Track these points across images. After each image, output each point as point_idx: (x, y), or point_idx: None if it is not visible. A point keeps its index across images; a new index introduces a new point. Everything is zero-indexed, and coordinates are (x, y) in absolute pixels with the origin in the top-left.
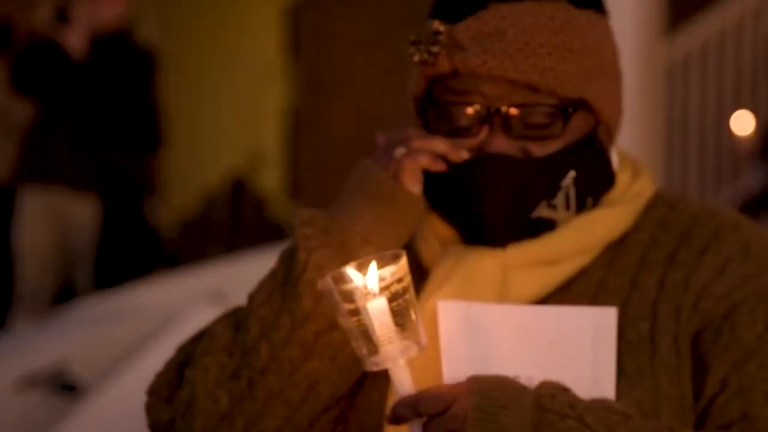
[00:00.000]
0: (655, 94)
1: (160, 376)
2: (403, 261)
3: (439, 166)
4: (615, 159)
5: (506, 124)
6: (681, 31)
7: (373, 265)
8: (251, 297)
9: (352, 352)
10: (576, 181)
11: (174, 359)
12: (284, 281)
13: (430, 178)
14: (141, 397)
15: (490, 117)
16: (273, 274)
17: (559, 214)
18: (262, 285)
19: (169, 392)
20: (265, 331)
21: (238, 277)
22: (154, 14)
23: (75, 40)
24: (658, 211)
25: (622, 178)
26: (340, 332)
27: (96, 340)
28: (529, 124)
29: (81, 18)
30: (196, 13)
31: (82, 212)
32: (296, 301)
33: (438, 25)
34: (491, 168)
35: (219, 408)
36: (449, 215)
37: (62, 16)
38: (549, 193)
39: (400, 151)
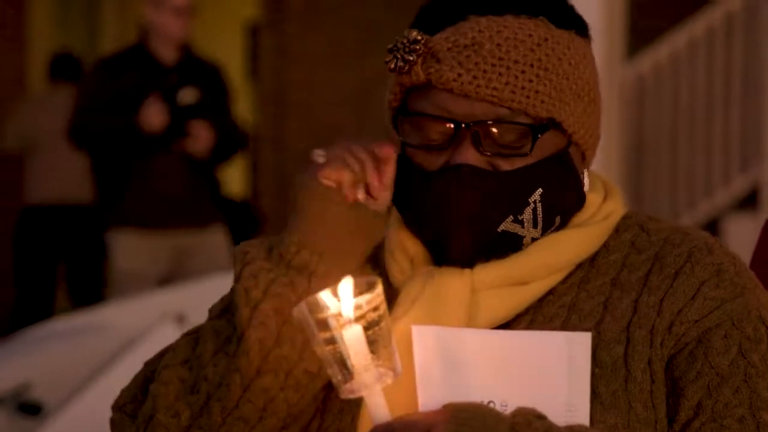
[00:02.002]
0: (620, 115)
1: (124, 391)
2: (379, 289)
3: (350, 185)
4: (586, 181)
5: (475, 139)
6: (641, 55)
7: (348, 292)
8: (210, 310)
9: (306, 368)
10: (543, 197)
11: (140, 374)
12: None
13: (399, 188)
14: (104, 418)
15: (459, 132)
16: (232, 290)
17: (525, 231)
18: (222, 299)
19: (134, 407)
20: (220, 344)
21: (201, 298)
22: (114, 31)
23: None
24: (630, 232)
25: (593, 199)
26: (291, 347)
27: (59, 360)
28: (498, 141)
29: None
30: None
31: (209, 246)
32: (236, 311)
33: (416, 35)
34: (458, 178)
35: (180, 423)
36: (418, 229)
37: (180, 132)
38: (516, 207)
39: (318, 156)
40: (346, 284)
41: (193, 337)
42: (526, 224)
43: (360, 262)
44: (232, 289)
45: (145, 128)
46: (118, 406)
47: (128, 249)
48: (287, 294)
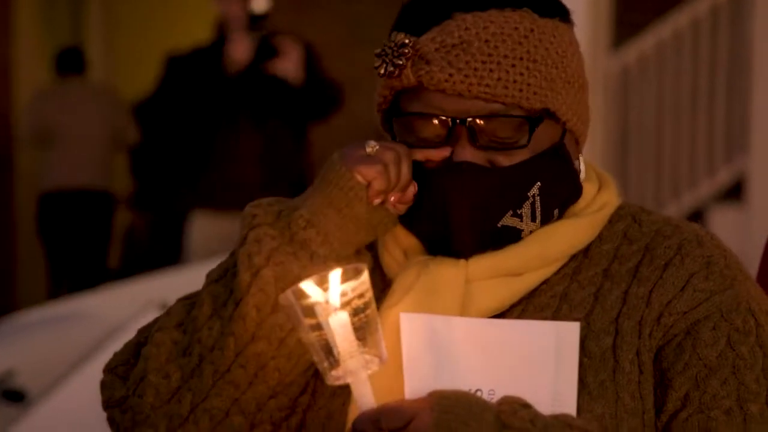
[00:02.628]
0: (605, 106)
1: (117, 355)
2: (365, 276)
3: (379, 196)
4: (582, 169)
5: (472, 135)
6: (627, 45)
7: (336, 279)
8: (208, 275)
9: (301, 338)
10: (542, 191)
11: (133, 339)
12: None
13: None
14: (88, 405)
15: (455, 129)
16: (231, 254)
17: (524, 225)
18: (220, 264)
19: (125, 369)
20: (217, 308)
21: (186, 287)
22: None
23: (293, 69)
24: (623, 222)
25: (588, 190)
26: (285, 316)
27: (43, 349)
28: (495, 136)
29: (292, 50)
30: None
31: None
32: (237, 275)
33: (403, 38)
34: (457, 176)
35: (170, 384)
36: (415, 225)
37: (270, 51)
38: (515, 202)
39: (369, 144)
40: (333, 271)
41: (190, 302)
42: (524, 218)
43: (360, 250)
44: (232, 252)
45: (234, 59)
46: (109, 368)
47: (204, 231)
48: (289, 263)
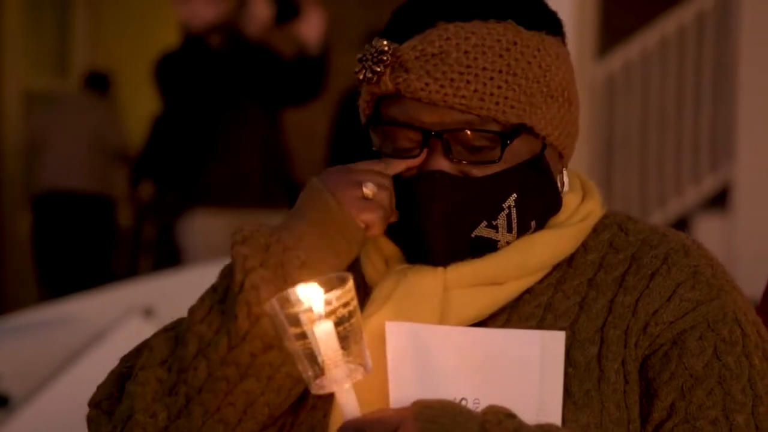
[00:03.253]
0: (590, 114)
1: (101, 388)
2: (350, 285)
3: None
4: (565, 180)
5: (446, 147)
6: (613, 53)
7: (320, 288)
8: (191, 311)
9: (289, 371)
10: (518, 203)
11: (115, 370)
12: (223, 299)
13: None
14: (71, 410)
15: (429, 140)
16: (213, 289)
17: (500, 236)
18: (203, 300)
19: (110, 404)
20: (203, 348)
21: (169, 292)
22: (86, 37)
23: (314, 35)
24: (608, 232)
25: (571, 200)
26: (278, 352)
27: (27, 353)
28: (468, 148)
29: (316, 14)
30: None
31: None
32: (233, 321)
33: (383, 45)
34: (431, 184)
35: (157, 424)
36: (392, 234)
37: (291, 11)
38: (490, 213)
39: (366, 185)
40: (318, 280)
41: (172, 335)
42: (500, 229)
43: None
44: (214, 287)
45: (255, 19)
46: (94, 403)
47: (203, 227)
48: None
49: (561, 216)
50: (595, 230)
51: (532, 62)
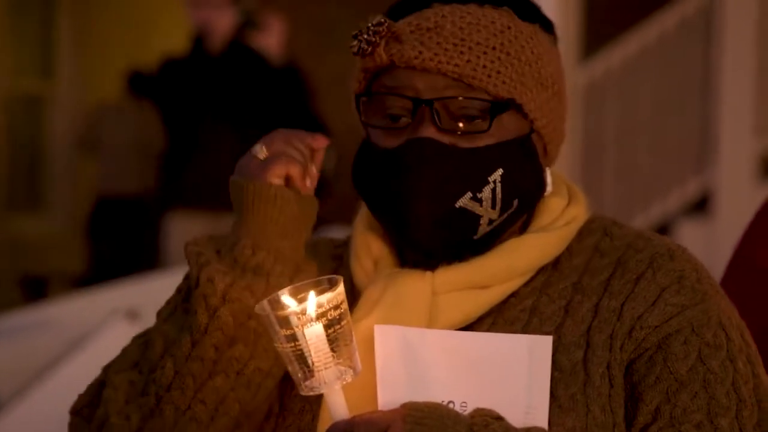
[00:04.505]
0: (573, 118)
1: (81, 396)
2: (340, 288)
3: (300, 175)
4: (548, 180)
5: (435, 115)
6: (596, 58)
7: (311, 291)
8: (158, 314)
9: (258, 366)
10: (503, 178)
11: (97, 378)
12: (186, 298)
13: (362, 172)
14: (55, 414)
15: (419, 108)
16: (178, 291)
17: (483, 210)
18: (168, 301)
19: (90, 411)
20: (169, 347)
21: (152, 294)
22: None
23: (275, 46)
24: (593, 237)
25: (556, 203)
26: (244, 347)
27: (9, 356)
28: (457, 117)
29: (277, 27)
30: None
31: None
32: (193, 316)
33: (380, 18)
34: (419, 149)
35: (131, 425)
36: (379, 208)
37: (254, 24)
38: (475, 184)
39: (258, 150)
40: (309, 283)
41: (144, 340)
42: (484, 203)
43: (303, 247)
44: (178, 289)
45: (216, 33)
46: (75, 410)
47: (183, 229)
48: (245, 298)
49: (546, 219)
50: (581, 234)
51: (525, 46)
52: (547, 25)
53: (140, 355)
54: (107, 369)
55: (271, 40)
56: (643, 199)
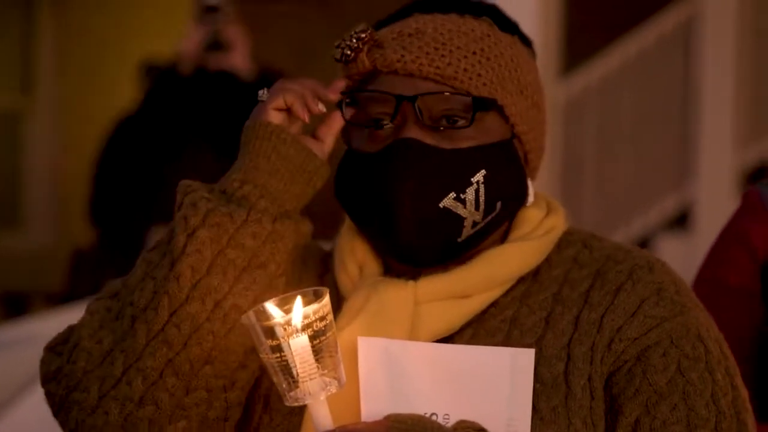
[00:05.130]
0: (553, 133)
1: (58, 335)
2: (326, 299)
3: (300, 106)
4: (530, 191)
5: (418, 113)
6: (576, 73)
7: (297, 302)
8: (146, 249)
9: (236, 303)
10: (486, 180)
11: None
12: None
13: (344, 174)
14: (36, 429)
15: (402, 107)
16: (169, 229)
17: (467, 212)
18: (160, 238)
19: (63, 347)
20: (150, 271)
21: None
22: (51, 43)
23: (243, 62)
24: (573, 248)
25: (535, 214)
26: (222, 277)
27: None
28: (439, 117)
29: (241, 44)
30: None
31: None
32: (173, 239)
33: (362, 26)
34: (403, 150)
35: (102, 347)
36: (362, 213)
37: (218, 45)
38: (459, 185)
39: (263, 94)
40: (295, 294)
41: (127, 276)
42: (467, 204)
43: (298, 208)
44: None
45: (182, 53)
46: (49, 347)
47: None
48: (225, 224)
49: (525, 229)
50: (559, 246)
51: (504, 53)
52: (526, 40)
53: (121, 285)
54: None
55: (237, 57)
56: (623, 214)
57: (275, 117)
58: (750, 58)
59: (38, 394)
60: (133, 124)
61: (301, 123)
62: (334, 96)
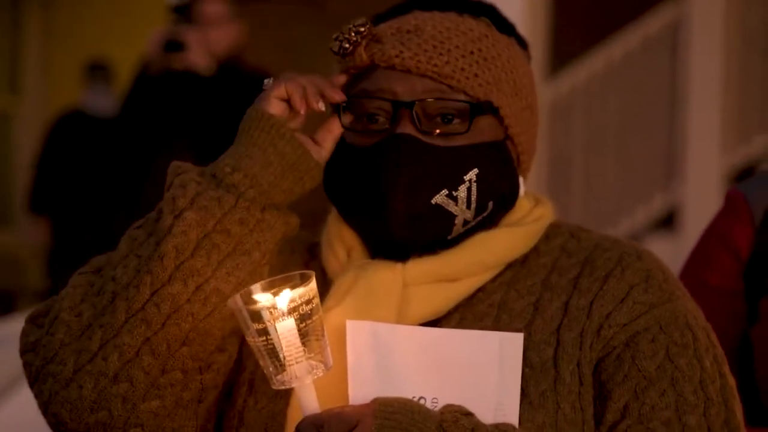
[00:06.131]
0: (540, 134)
1: (39, 306)
2: (312, 283)
3: (300, 97)
4: (522, 188)
5: (415, 118)
6: (562, 74)
7: (283, 286)
8: (133, 225)
9: (218, 287)
10: (479, 178)
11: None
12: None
13: (336, 167)
14: (24, 427)
15: (398, 110)
16: (157, 209)
17: (458, 210)
18: (148, 215)
19: (44, 319)
20: (134, 248)
21: None
22: (38, 46)
23: (200, 60)
24: (560, 238)
25: (524, 203)
26: (206, 260)
27: None
28: (435, 118)
29: (196, 42)
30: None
31: None
32: (161, 218)
33: (362, 20)
34: (397, 144)
35: (81, 321)
36: (354, 208)
37: (175, 46)
38: (451, 182)
39: (267, 82)
40: (281, 278)
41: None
42: (459, 202)
43: (286, 203)
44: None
45: (149, 56)
46: (30, 318)
47: None
48: (213, 207)
49: (515, 215)
50: (547, 236)
51: (501, 54)
52: (521, 42)
53: (106, 260)
54: None
55: (194, 56)
56: (610, 214)
57: (276, 107)
58: (737, 60)
59: (25, 392)
60: (98, 124)
61: (302, 119)
62: (338, 97)
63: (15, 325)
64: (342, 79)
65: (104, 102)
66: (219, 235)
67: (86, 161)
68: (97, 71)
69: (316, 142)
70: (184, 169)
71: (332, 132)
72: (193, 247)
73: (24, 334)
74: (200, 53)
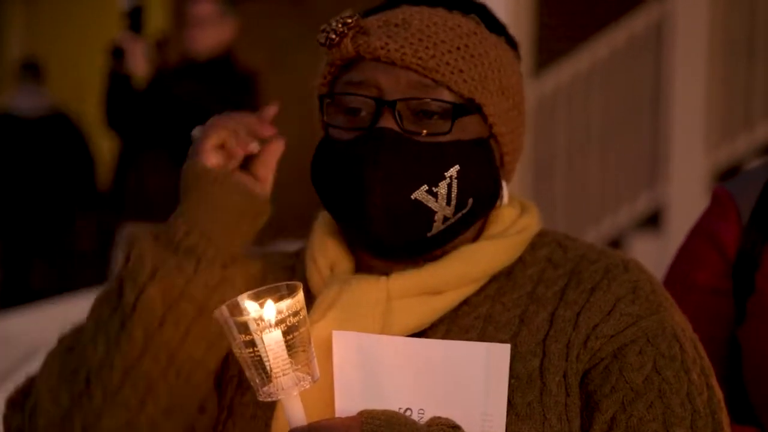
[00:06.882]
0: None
1: (17, 388)
2: (299, 294)
3: (234, 143)
4: (505, 193)
5: (397, 114)
6: (547, 73)
7: (270, 298)
8: (96, 298)
9: (190, 354)
10: (460, 175)
11: (35, 373)
12: (121, 282)
13: (320, 160)
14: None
15: (381, 107)
16: (116, 276)
17: (438, 206)
18: (105, 285)
19: (24, 401)
20: (101, 327)
21: None
22: (21, 39)
23: (137, 66)
24: (547, 248)
25: (509, 213)
26: (174, 330)
27: None
28: (419, 116)
29: (132, 49)
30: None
31: None
32: (123, 294)
33: (349, 12)
34: (378, 139)
35: (60, 407)
36: (335, 200)
37: (118, 53)
38: (431, 178)
39: (196, 132)
40: (268, 288)
41: (78, 326)
42: (439, 198)
43: (245, 245)
44: (116, 274)
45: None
46: (11, 401)
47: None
48: (174, 277)
49: (499, 227)
50: (533, 246)
51: (489, 52)
52: (512, 42)
53: (74, 339)
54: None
55: (131, 62)
56: (595, 213)
57: (213, 158)
58: (721, 59)
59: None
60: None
61: (241, 159)
62: (267, 132)
63: (1, 325)
64: (272, 110)
65: (33, 102)
66: (184, 303)
67: (14, 163)
68: (28, 70)
69: (257, 178)
70: (138, 237)
71: (270, 163)
72: (159, 320)
73: (6, 419)
74: (137, 60)
